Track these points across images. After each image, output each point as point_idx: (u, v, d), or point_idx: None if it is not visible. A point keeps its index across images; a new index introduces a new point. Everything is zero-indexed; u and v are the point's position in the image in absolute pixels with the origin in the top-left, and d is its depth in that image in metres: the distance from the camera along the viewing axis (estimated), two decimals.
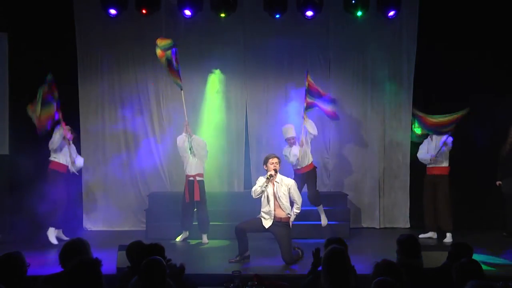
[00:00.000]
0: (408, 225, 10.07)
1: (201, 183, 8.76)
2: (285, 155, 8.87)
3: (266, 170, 7.49)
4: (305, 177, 8.90)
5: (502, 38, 9.85)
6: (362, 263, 6.60)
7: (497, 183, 9.34)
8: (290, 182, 7.51)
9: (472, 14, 9.74)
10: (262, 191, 7.40)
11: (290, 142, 8.83)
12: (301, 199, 7.55)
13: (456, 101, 9.79)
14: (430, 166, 9.10)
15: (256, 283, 5.30)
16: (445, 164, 9.07)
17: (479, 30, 9.77)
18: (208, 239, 8.76)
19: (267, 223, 7.40)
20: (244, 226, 7.36)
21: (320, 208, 8.95)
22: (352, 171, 10.27)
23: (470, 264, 4.08)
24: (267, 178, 7.37)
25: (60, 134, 8.71)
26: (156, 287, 4.05)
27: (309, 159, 8.93)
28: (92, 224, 10.01)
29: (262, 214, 7.45)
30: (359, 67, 10.18)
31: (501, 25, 9.81)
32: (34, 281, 4.44)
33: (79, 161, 9.02)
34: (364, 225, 10.20)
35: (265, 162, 7.52)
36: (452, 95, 9.84)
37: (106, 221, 10.07)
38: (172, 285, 4.24)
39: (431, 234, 9.07)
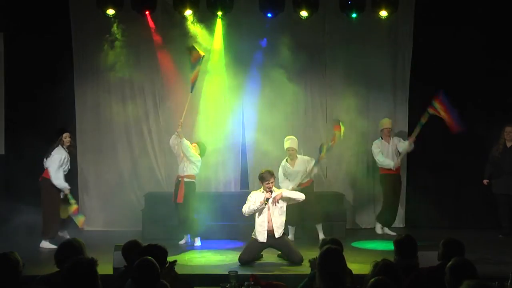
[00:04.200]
0: (403, 225, 10.08)
1: (188, 184, 8.68)
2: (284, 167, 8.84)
3: (262, 185, 7.54)
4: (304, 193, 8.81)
5: (500, 37, 9.86)
6: (359, 263, 6.62)
7: (485, 181, 9.36)
8: (281, 191, 7.59)
9: (469, 12, 9.75)
10: (254, 211, 7.43)
11: (290, 152, 8.78)
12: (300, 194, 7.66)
13: (454, 101, 9.84)
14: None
15: (252, 283, 5.29)
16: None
17: (475, 29, 9.77)
18: (202, 239, 8.72)
19: (262, 236, 7.41)
20: (247, 257, 7.34)
21: (319, 227, 8.85)
22: (349, 171, 10.26)
23: (463, 264, 4.06)
24: (265, 202, 7.38)
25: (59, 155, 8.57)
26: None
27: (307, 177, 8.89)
28: (88, 224, 9.97)
29: (256, 227, 7.47)
30: (355, 67, 10.17)
31: (499, 22, 9.82)
32: (29, 281, 4.42)
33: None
34: (361, 225, 10.20)
35: (261, 180, 7.50)
36: (450, 95, 9.86)
37: (102, 221, 10.05)
38: (167, 286, 4.23)
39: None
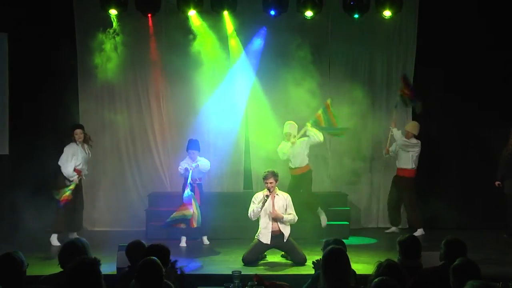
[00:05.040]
0: (407, 226, 10.05)
1: (200, 186, 8.73)
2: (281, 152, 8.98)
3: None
4: (299, 179, 8.91)
5: (505, 36, 9.83)
6: (362, 263, 6.62)
7: (496, 183, 9.34)
8: (286, 196, 7.63)
9: (473, 12, 9.72)
10: (259, 212, 7.45)
11: (288, 138, 8.91)
12: (295, 216, 7.58)
13: (456, 101, 9.82)
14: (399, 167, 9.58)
15: (256, 283, 5.29)
16: (408, 166, 9.50)
17: (480, 29, 9.75)
18: (208, 239, 8.77)
19: (265, 238, 7.43)
20: (250, 257, 7.34)
21: (319, 211, 8.91)
22: (352, 171, 10.25)
23: (467, 265, 4.05)
24: (264, 200, 7.42)
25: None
26: None
27: (303, 161, 8.97)
28: (92, 224, 10.00)
29: (260, 229, 7.50)
30: (359, 66, 10.18)
31: (504, 22, 9.79)
32: (33, 281, 4.43)
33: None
34: (364, 225, 10.19)
35: (263, 179, 7.59)
36: (452, 95, 9.85)
37: (106, 221, 10.06)
38: (171, 286, 4.24)
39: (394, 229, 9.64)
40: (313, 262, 5.17)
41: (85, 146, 8.89)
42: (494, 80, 9.81)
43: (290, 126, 8.97)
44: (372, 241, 9.09)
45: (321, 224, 8.91)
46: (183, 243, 8.61)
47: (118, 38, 9.79)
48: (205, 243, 8.73)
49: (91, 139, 9.01)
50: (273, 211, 7.43)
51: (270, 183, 7.46)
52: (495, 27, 9.74)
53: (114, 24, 9.48)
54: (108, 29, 9.51)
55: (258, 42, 9.89)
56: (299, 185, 8.98)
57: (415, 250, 4.96)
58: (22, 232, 8.77)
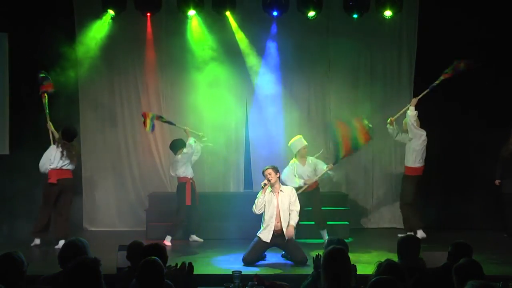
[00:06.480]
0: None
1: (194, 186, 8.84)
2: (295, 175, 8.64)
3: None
4: (310, 195, 8.71)
5: (503, 35, 9.83)
6: (362, 263, 6.60)
7: (496, 182, 9.33)
8: (291, 191, 7.57)
9: (473, 12, 9.72)
10: (262, 203, 7.40)
11: (304, 151, 8.68)
12: (297, 213, 7.51)
13: (455, 101, 9.82)
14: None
15: (256, 283, 5.29)
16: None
17: (480, 27, 9.74)
18: (207, 239, 8.80)
19: (266, 236, 7.39)
20: (251, 257, 7.33)
21: (324, 233, 8.72)
22: (353, 171, 10.25)
23: (470, 265, 4.06)
24: (261, 188, 7.42)
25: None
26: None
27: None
28: (92, 224, 10.00)
29: (263, 227, 7.45)
30: (359, 66, 10.18)
31: (505, 21, 9.79)
32: (33, 281, 4.43)
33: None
34: (365, 225, 10.19)
35: (263, 174, 7.55)
36: (452, 94, 9.84)
37: (106, 221, 10.06)
38: (171, 286, 4.23)
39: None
40: (313, 258, 5.14)
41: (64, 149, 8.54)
42: (495, 79, 9.80)
43: (303, 140, 8.72)
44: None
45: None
46: (167, 242, 8.55)
47: (118, 38, 9.81)
48: (197, 240, 8.77)
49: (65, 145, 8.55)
50: (277, 211, 7.39)
51: (269, 174, 7.42)
52: (495, 27, 9.74)
53: (119, 26, 9.51)
54: (108, 29, 9.52)
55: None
56: (309, 201, 8.69)
57: (414, 250, 4.96)
58: (22, 232, 8.76)
